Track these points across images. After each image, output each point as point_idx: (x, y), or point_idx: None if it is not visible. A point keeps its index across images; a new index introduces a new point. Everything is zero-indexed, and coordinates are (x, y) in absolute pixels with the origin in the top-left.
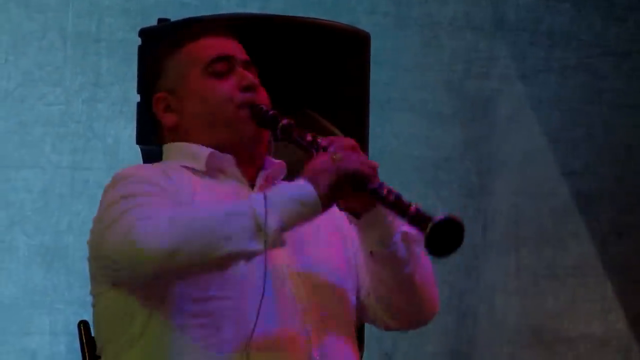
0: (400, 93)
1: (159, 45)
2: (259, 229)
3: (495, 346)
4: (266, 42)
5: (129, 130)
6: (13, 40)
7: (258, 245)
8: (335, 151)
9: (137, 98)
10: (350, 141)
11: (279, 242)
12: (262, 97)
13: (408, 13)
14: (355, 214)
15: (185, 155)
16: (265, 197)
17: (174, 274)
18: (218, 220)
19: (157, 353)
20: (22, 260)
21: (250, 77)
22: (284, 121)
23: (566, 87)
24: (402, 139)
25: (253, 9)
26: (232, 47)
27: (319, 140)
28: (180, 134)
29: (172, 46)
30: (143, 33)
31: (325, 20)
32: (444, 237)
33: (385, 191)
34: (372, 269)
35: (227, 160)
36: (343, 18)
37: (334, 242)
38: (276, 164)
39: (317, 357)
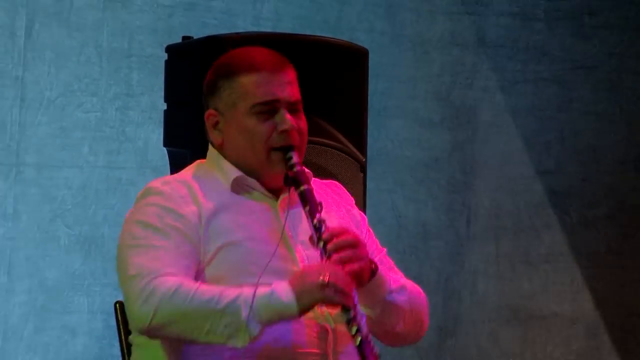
0: (395, 102)
1: (220, 62)
2: (239, 330)
3: (477, 323)
4: None
5: (157, 134)
6: (55, 55)
7: (236, 343)
8: (327, 270)
9: (164, 106)
10: (351, 239)
11: (256, 339)
12: (297, 141)
13: (402, 31)
14: None
15: (220, 170)
16: (253, 300)
17: (160, 337)
18: (206, 315)
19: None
20: (64, 249)
21: (289, 122)
22: (304, 187)
23: (540, 97)
24: (396, 142)
25: (266, 27)
26: (281, 86)
27: (323, 228)
28: (222, 149)
29: (230, 72)
30: (169, 49)
31: (329, 37)
32: None
33: (354, 328)
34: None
35: (253, 185)
36: (344, 36)
37: None
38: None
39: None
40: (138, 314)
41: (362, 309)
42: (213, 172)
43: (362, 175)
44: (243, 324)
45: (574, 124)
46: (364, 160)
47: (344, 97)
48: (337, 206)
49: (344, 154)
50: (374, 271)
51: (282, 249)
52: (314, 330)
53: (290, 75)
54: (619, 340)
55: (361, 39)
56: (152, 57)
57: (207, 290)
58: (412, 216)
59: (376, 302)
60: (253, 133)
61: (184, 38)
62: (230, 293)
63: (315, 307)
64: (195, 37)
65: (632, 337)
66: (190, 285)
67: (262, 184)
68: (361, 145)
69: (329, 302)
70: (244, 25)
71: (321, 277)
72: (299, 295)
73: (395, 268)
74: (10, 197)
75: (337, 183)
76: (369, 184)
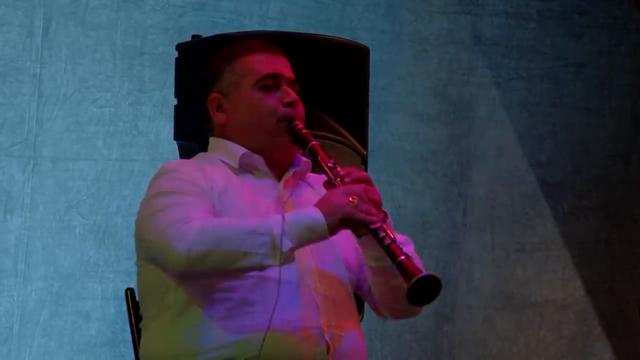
0: (394, 97)
1: (220, 52)
2: (275, 248)
3: (473, 309)
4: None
5: (168, 128)
6: (71, 53)
7: (272, 262)
8: (349, 188)
9: (175, 101)
10: (365, 175)
11: (290, 259)
12: (300, 113)
13: (401, 30)
14: (356, 234)
15: (225, 152)
16: (283, 220)
17: (197, 276)
18: (240, 237)
19: (185, 322)
20: (78, 237)
21: (293, 95)
22: (313, 142)
23: (533, 93)
24: (396, 136)
25: (272, 27)
26: (281, 65)
27: (338, 168)
28: (225, 132)
29: (231, 56)
30: (179, 47)
31: (332, 36)
32: (423, 289)
33: (382, 234)
34: (370, 277)
35: (258, 161)
36: (346, 34)
37: (345, 239)
38: (303, 162)
39: (328, 340)
40: (175, 255)
41: (370, 262)
42: (216, 156)
43: (363, 167)
44: (277, 241)
45: (565, 119)
46: (365, 153)
47: (346, 93)
48: None
49: (346, 147)
50: (385, 214)
51: None
52: (311, 308)
53: (287, 61)
54: (608, 326)
55: (362, 38)
56: (164, 54)
57: (235, 219)
58: (410, 206)
59: (379, 255)
60: (260, 106)
61: (193, 37)
62: (259, 218)
63: (309, 281)
64: (204, 36)
65: (620, 322)
66: (219, 219)
67: (267, 161)
68: (362, 139)
69: (356, 218)
70: (250, 24)
71: (346, 195)
72: (327, 211)
73: None
74: (28, 188)
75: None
76: (370, 176)
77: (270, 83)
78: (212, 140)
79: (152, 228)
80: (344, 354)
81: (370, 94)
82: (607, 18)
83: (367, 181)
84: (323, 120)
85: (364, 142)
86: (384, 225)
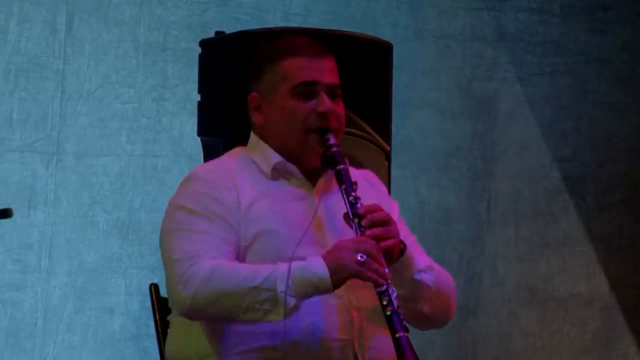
0: (418, 93)
1: (266, 48)
2: (278, 304)
3: (497, 304)
4: None
5: (191, 124)
6: (94, 49)
7: (275, 317)
8: (360, 243)
9: (198, 97)
10: (384, 216)
11: (294, 311)
12: (334, 124)
13: (424, 26)
14: None
15: (260, 155)
16: (288, 274)
17: (200, 318)
18: (244, 292)
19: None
20: (102, 233)
21: (327, 104)
22: (341, 166)
23: (557, 88)
24: (420, 132)
25: (295, 23)
26: (321, 71)
27: (359, 204)
28: (263, 132)
29: (274, 55)
30: (202, 43)
31: (355, 32)
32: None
33: (385, 301)
34: None
35: (292, 170)
36: (370, 30)
37: None
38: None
39: (357, 350)
40: (179, 298)
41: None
42: (253, 158)
43: (387, 163)
44: (280, 298)
45: (588, 114)
46: (388, 149)
47: (369, 89)
48: (371, 193)
49: (369, 143)
50: (402, 250)
51: (316, 235)
52: (341, 317)
53: (331, 62)
54: (633, 320)
55: (386, 34)
56: (187, 50)
57: (243, 268)
58: (434, 202)
59: (404, 280)
60: (292, 113)
61: (216, 33)
62: (265, 269)
63: (342, 293)
64: (227, 32)
65: None
66: (227, 265)
67: (301, 168)
68: (386, 135)
69: (363, 277)
70: (274, 20)
71: (355, 252)
72: (333, 269)
73: (425, 254)
74: (52, 184)
75: (371, 172)
76: (394, 172)
77: (306, 90)
78: (253, 137)
79: (166, 252)
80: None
81: (393, 89)
82: (631, 13)
83: (386, 224)
84: (347, 117)
85: (387, 138)
86: (390, 290)
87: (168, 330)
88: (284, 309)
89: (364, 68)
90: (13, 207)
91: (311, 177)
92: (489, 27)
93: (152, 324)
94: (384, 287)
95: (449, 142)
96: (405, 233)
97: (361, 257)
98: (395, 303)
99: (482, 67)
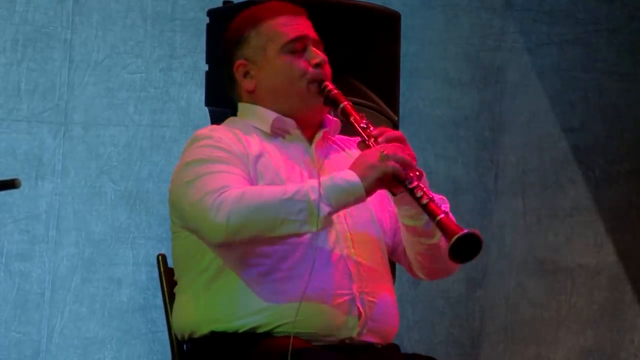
0: (426, 63)
1: (241, 17)
2: (312, 213)
3: (505, 275)
4: (316, 20)
5: (199, 94)
6: (102, 19)
7: (310, 228)
8: (384, 147)
9: (206, 67)
10: (398, 134)
11: (328, 224)
12: (328, 73)
13: None
14: (392, 192)
15: (256, 117)
16: (319, 186)
17: (235, 246)
18: (278, 204)
19: (219, 287)
20: (110, 203)
21: (321, 55)
22: (345, 103)
23: (565, 58)
24: (427, 101)
25: None
26: (305, 26)
27: (371, 128)
28: (254, 97)
29: (255, 20)
30: (210, 13)
31: (363, 2)
32: (464, 246)
33: (420, 192)
34: (405, 237)
35: (290, 124)
36: (378, 0)
37: (380, 203)
38: (332, 122)
39: (360, 306)
40: (213, 226)
41: (407, 220)
42: (247, 122)
43: None
44: (314, 207)
45: (597, 84)
46: (396, 119)
47: (377, 58)
48: None
49: (377, 113)
50: (420, 175)
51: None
52: (342, 273)
53: (308, 20)
54: None
55: (394, 3)
56: (194, 20)
57: (271, 187)
58: (442, 172)
59: (415, 213)
60: (290, 69)
61: (224, 2)
62: (294, 185)
63: (343, 247)
64: (235, 1)
65: None
66: (256, 187)
67: (298, 123)
68: (394, 105)
69: (390, 175)
70: None
71: (379, 152)
72: (361, 173)
73: None
74: (59, 154)
75: None
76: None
77: (297, 46)
78: (242, 106)
79: (189, 197)
80: (375, 320)
81: (401, 59)
82: None
83: (401, 140)
84: (354, 86)
85: (395, 107)
86: (421, 184)
87: (175, 299)
88: (318, 218)
89: (371, 38)
90: (21, 177)
91: (306, 134)
92: None
93: (160, 294)
94: (415, 183)
95: (456, 112)
96: None
97: (387, 156)
98: (429, 193)
99: (490, 36)
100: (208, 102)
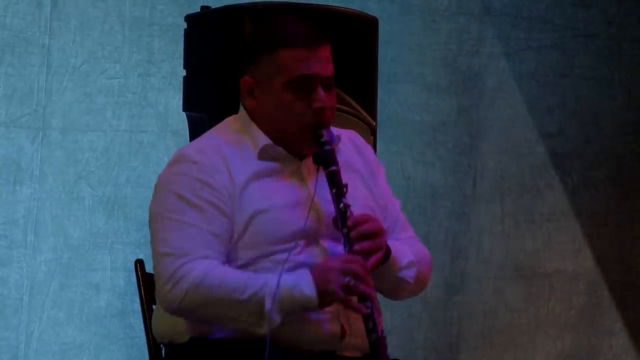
0: (404, 68)
1: (264, 32)
2: (263, 319)
3: (483, 280)
4: None
5: (177, 99)
6: (80, 24)
7: (258, 331)
8: (349, 268)
9: (184, 73)
10: (374, 228)
11: (276, 324)
12: (329, 118)
13: (411, 1)
14: None
15: (250, 137)
16: (277, 290)
17: (184, 317)
18: (232, 304)
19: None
20: (88, 209)
21: (323, 100)
22: (333, 168)
23: (543, 63)
24: (405, 107)
25: None
26: (318, 63)
27: (349, 213)
28: (252, 114)
29: (271, 46)
30: (188, 18)
31: (341, 7)
32: None
33: (370, 326)
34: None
35: (280, 152)
36: (355, 5)
37: (362, 206)
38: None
39: (344, 323)
40: (167, 297)
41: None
42: (243, 137)
43: (372, 138)
44: (266, 314)
45: (575, 89)
46: (374, 124)
47: (355, 64)
48: (359, 169)
49: (355, 119)
50: (387, 254)
51: (311, 213)
52: None
53: (326, 51)
54: (618, 296)
55: (372, 8)
56: (173, 25)
57: (233, 278)
58: (420, 177)
59: (386, 277)
60: (289, 109)
61: (202, 8)
62: (255, 283)
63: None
64: (213, 7)
65: (630, 293)
66: (219, 271)
67: (288, 150)
68: (372, 110)
69: (349, 306)
70: None
71: (343, 275)
72: (321, 291)
73: (407, 224)
74: (37, 159)
75: (356, 133)
76: (379, 147)
77: (302, 85)
78: (243, 115)
79: (155, 240)
80: (358, 336)
81: (379, 64)
82: None
83: (375, 235)
84: None
85: (373, 113)
86: (375, 314)
87: (154, 307)
88: (268, 324)
89: (350, 43)
90: None
91: (298, 155)
92: (475, 2)
93: (138, 300)
94: (369, 311)
95: (434, 117)
96: (389, 199)
97: (349, 280)
98: (379, 329)
99: (468, 42)
100: (186, 108)
